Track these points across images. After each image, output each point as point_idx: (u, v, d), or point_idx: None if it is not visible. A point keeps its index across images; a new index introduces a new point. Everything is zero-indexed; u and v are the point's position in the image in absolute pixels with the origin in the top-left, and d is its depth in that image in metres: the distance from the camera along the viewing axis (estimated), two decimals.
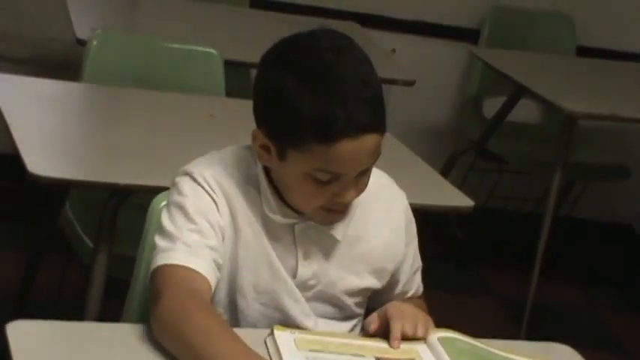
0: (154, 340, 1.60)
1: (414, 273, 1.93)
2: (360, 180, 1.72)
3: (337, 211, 1.74)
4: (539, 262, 3.69)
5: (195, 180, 1.75)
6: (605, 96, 3.75)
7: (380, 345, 1.69)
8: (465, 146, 4.21)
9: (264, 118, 1.71)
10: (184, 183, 1.75)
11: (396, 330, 1.69)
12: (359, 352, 1.66)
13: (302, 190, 1.70)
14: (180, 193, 1.74)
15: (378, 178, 1.83)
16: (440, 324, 1.78)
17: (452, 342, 1.72)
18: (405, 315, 1.72)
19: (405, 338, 1.70)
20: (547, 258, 3.69)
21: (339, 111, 1.62)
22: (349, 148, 1.64)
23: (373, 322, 1.74)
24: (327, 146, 1.64)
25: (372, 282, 1.86)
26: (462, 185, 2.93)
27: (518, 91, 3.86)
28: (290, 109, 1.65)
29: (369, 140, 1.66)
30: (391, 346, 1.69)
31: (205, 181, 1.74)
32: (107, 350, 1.59)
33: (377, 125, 1.67)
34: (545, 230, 3.68)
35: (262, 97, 1.72)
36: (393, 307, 1.74)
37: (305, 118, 1.63)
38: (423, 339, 1.72)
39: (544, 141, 4.22)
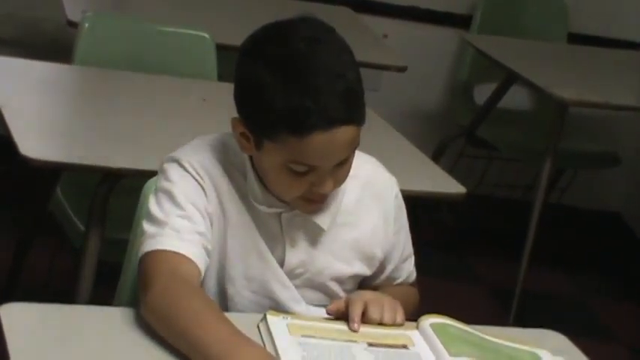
0: (146, 323, 1.60)
1: (404, 261, 1.92)
2: (338, 171, 1.70)
3: (316, 200, 1.74)
4: (528, 249, 3.70)
5: (182, 166, 1.74)
6: (596, 83, 3.75)
7: (372, 331, 1.69)
8: (455, 132, 4.21)
9: (241, 108, 1.70)
10: (171, 169, 1.75)
11: (353, 313, 1.68)
12: (351, 337, 1.66)
13: (280, 180, 1.70)
14: (167, 179, 1.74)
15: (366, 163, 1.83)
16: (428, 310, 1.79)
17: (444, 328, 1.72)
18: (368, 302, 1.70)
19: (369, 322, 1.69)
20: (536, 245, 3.70)
21: (311, 104, 1.61)
22: (322, 140, 1.63)
23: (335, 304, 1.72)
24: (300, 139, 1.63)
25: (362, 269, 1.86)
26: (451, 171, 2.93)
27: (510, 78, 3.86)
28: (263, 101, 1.64)
29: (342, 133, 1.64)
30: (350, 329, 1.67)
31: (192, 167, 1.74)
32: (99, 333, 1.59)
33: (351, 118, 1.65)
34: (534, 217, 3.69)
35: (239, 86, 1.71)
36: (355, 294, 1.74)
37: (278, 111, 1.62)
38: (399, 325, 1.71)
39: (535, 128, 4.22)
